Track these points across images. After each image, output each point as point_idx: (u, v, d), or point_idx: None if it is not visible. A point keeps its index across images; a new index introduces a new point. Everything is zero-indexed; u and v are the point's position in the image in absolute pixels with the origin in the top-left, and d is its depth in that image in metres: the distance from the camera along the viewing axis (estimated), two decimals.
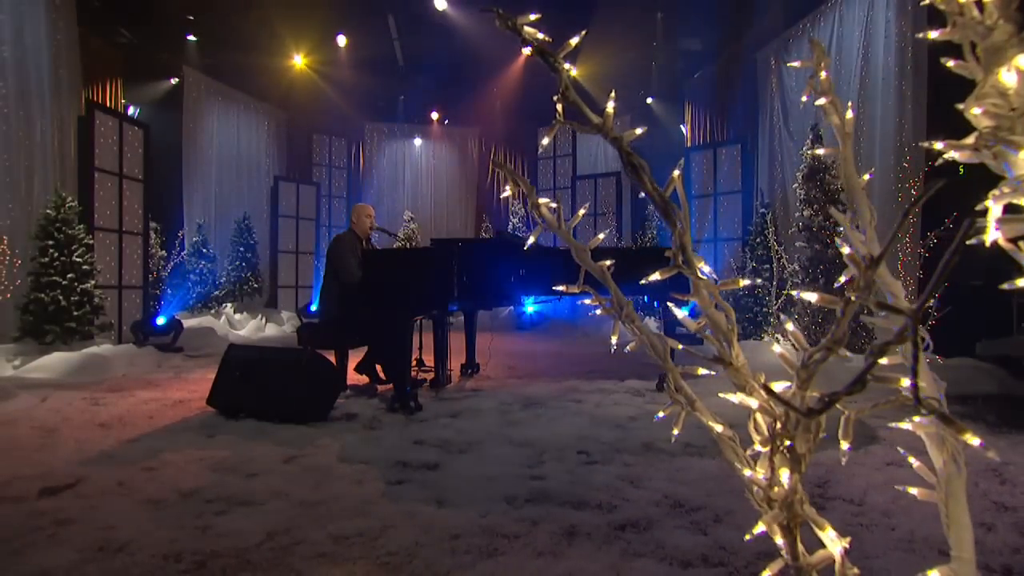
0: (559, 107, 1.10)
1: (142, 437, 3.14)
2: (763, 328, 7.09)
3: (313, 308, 10.25)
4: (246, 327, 9.02)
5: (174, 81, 9.49)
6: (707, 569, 1.67)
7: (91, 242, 5.93)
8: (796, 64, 1.11)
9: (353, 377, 4.66)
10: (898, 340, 0.71)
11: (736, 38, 9.10)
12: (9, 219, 5.70)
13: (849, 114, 1.05)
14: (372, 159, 13.42)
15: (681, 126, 10.88)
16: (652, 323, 9.12)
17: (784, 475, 0.88)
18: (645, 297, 8.12)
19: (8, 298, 5.53)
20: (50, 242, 5.53)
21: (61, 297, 5.43)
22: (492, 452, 2.88)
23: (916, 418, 0.89)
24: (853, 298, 0.81)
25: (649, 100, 11.59)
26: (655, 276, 1.00)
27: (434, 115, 13.55)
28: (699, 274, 1.00)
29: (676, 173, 1.01)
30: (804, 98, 1.13)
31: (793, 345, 0.96)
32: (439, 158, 13.85)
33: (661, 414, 1.11)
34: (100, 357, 5.23)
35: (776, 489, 0.90)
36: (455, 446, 2.98)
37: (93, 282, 5.76)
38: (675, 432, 1.06)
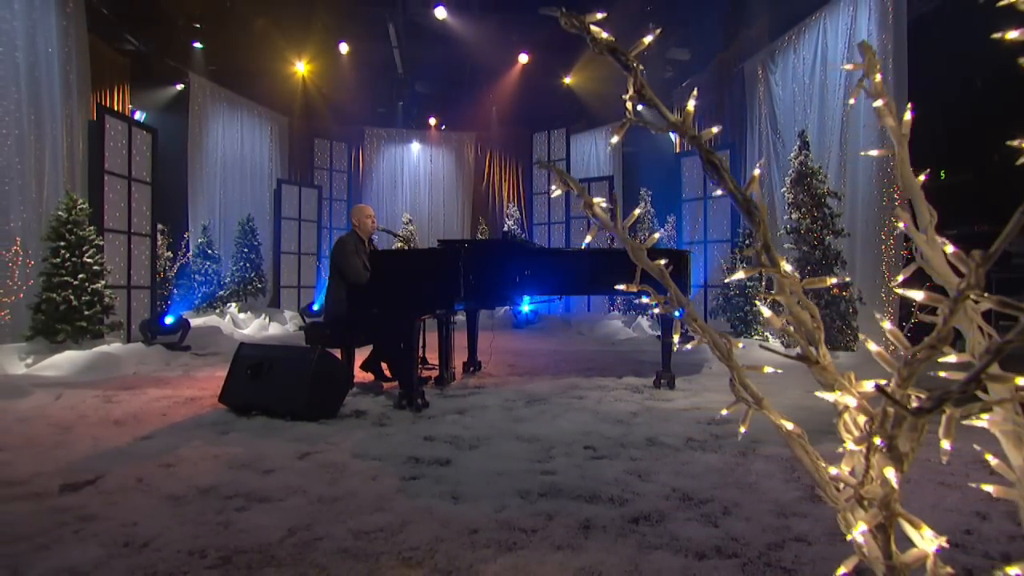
0: (629, 105, 1.10)
1: (156, 434, 3.17)
2: (753, 327, 7.20)
3: (315, 308, 10.33)
4: (250, 326, 9.10)
5: (180, 87, 9.62)
6: (722, 560, 1.71)
7: (101, 243, 6.00)
8: (848, 67, 1.08)
9: (359, 375, 4.71)
10: (1018, 339, 0.69)
11: (724, 49, 9.30)
12: (21, 221, 5.77)
13: (908, 115, 1.03)
14: (372, 163, 13.61)
15: (670, 133, 11.00)
16: (644, 321, 9.19)
17: (889, 473, 0.87)
18: (644, 296, 8.15)
19: (21, 298, 5.60)
20: (62, 243, 5.60)
21: (72, 297, 5.49)
22: (501, 447, 2.92)
23: (985, 416, 0.87)
24: (972, 297, 0.78)
25: (640, 107, 11.69)
26: (739, 275, 1.00)
27: (432, 120, 13.77)
28: (784, 271, 0.99)
29: (756, 172, 1.02)
30: (852, 101, 1.13)
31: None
32: (437, 162, 14.05)
33: (725, 411, 1.08)
34: (110, 355, 5.28)
35: (868, 488, 0.89)
36: (464, 442, 3.01)
37: (103, 282, 5.83)
38: (742, 430, 1.04)
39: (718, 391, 4.42)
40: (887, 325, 0.94)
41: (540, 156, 12.95)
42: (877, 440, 0.87)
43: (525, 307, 10.32)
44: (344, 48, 10.75)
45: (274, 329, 9.44)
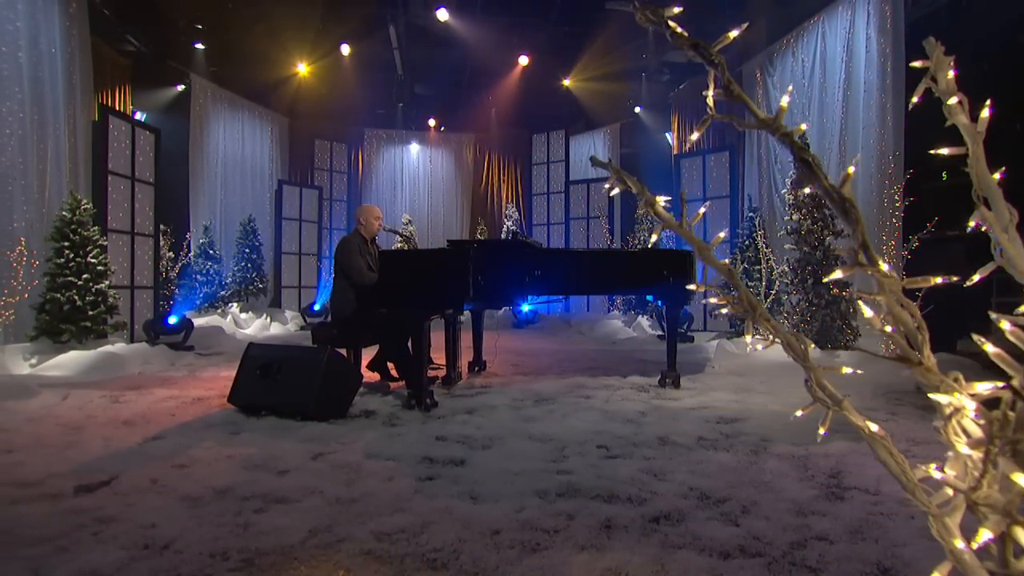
0: (710, 102, 1.07)
1: (167, 434, 3.16)
2: (751, 327, 7.22)
3: (316, 307, 10.32)
4: (252, 326, 9.11)
5: (181, 88, 9.61)
6: (746, 559, 1.70)
7: (105, 243, 5.98)
8: (917, 64, 1.03)
9: (365, 375, 4.71)
10: None
11: (722, 52, 9.34)
12: (24, 221, 5.75)
13: (985, 112, 0.99)
14: (372, 164, 13.65)
15: (667, 134, 11.15)
16: (644, 321, 9.20)
17: (1020, 478, 0.83)
18: (649, 296, 8.25)
19: (25, 298, 5.57)
20: (66, 243, 5.58)
21: (76, 297, 5.48)
22: (514, 447, 2.91)
23: None
24: None
25: (638, 109, 11.86)
26: (836, 274, 0.96)
27: (432, 122, 13.81)
28: (883, 271, 0.95)
29: (851, 170, 0.98)
30: (915, 99, 1.09)
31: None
32: (436, 163, 14.11)
33: (799, 413, 1.03)
34: (115, 356, 5.27)
35: (982, 493, 0.85)
36: (477, 442, 3.00)
37: (107, 282, 5.82)
38: (822, 432, 1.00)
39: (723, 390, 4.44)
40: (1006, 325, 0.89)
41: (539, 157, 12.97)
42: (996, 445, 0.84)
43: (525, 307, 10.36)
44: (345, 49, 10.78)
45: (275, 329, 9.45)
